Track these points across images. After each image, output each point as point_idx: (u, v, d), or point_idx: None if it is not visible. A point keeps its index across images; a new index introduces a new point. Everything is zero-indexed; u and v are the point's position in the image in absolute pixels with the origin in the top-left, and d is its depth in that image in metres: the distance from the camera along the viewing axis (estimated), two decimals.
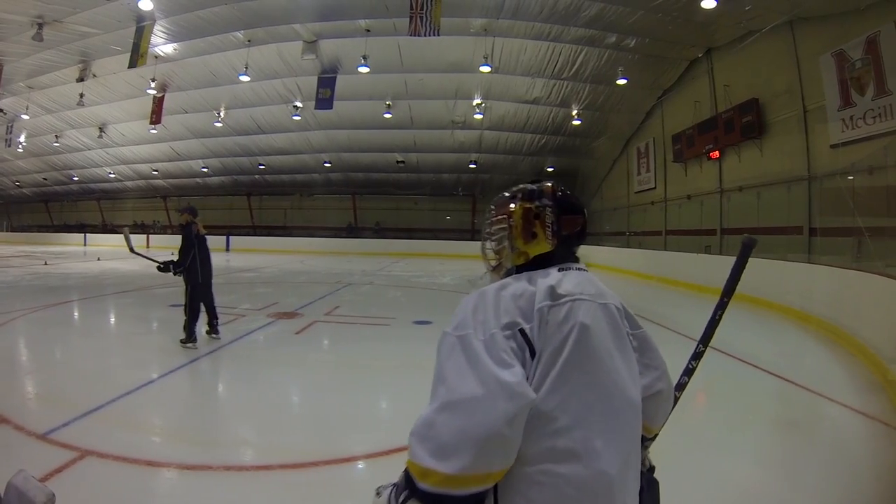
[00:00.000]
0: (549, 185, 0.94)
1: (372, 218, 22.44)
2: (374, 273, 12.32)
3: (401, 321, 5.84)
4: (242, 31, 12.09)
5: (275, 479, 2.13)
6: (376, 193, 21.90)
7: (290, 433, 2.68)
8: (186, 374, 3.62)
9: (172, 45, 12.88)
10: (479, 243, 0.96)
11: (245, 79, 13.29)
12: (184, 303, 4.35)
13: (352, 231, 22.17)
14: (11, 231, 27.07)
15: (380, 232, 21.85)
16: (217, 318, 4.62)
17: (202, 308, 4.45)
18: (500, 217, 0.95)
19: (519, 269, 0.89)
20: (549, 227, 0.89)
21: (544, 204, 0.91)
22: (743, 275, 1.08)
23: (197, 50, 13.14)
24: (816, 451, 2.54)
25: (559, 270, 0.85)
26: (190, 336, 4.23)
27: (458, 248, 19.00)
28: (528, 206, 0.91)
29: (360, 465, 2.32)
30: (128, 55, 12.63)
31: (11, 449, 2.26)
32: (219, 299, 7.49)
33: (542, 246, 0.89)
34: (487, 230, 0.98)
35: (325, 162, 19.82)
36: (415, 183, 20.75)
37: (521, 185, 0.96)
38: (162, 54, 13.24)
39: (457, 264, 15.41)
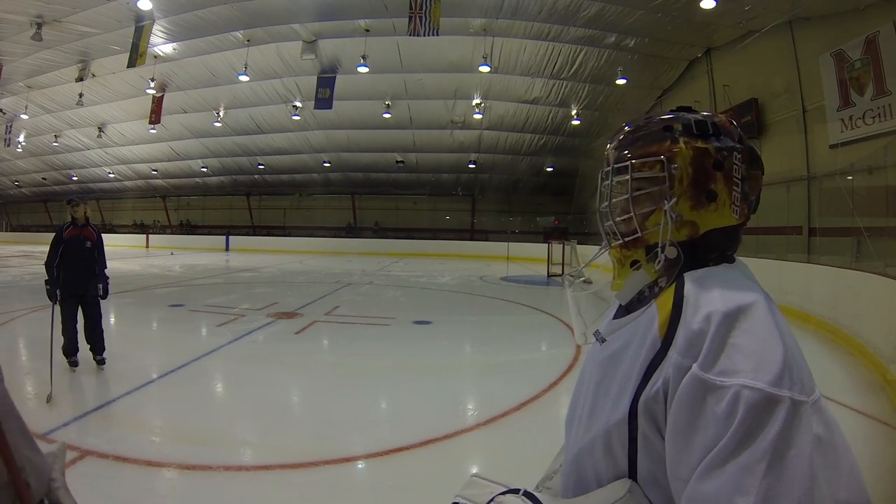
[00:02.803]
0: (724, 118, 0.61)
1: (371, 218, 22.43)
2: (374, 273, 12.30)
3: (400, 321, 5.83)
4: (242, 31, 12.09)
5: (275, 479, 2.13)
6: (375, 193, 21.88)
7: (290, 433, 2.68)
8: (186, 374, 3.61)
9: (172, 44, 12.87)
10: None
11: (244, 78, 13.28)
12: (95, 318, 3.58)
13: (351, 231, 22.15)
14: (10, 231, 27.04)
15: (379, 232, 21.83)
16: None
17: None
18: (645, 160, 0.60)
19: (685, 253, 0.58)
20: (736, 185, 0.58)
21: (729, 147, 0.58)
22: None
23: (196, 50, 13.13)
24: None
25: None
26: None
27: (458, 247, 19.02)
28: (702, 146, 0.58)
29: (359, 465, 2.32)
30: (127, 55, 12.63)
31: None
32: (218, 299, 7.53)
33: (725, 216, 0.58)
34: (614, 181, 0.63)
35: (325, 162, 19.80)
36: (414, 183, 20.71)
37: (678, 113, 0.62)
38: (161, 54, 13.24)
39: (456, 264, 15.41)
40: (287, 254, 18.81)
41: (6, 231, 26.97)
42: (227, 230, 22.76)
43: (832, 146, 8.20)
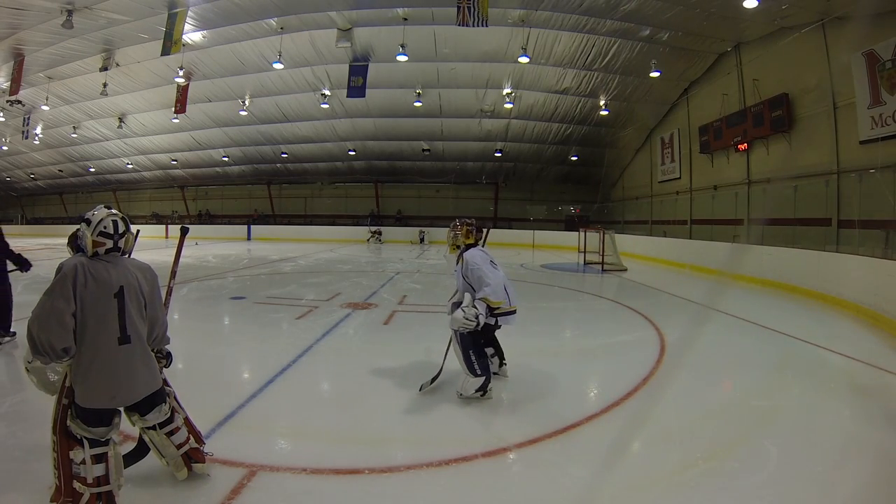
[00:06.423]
0: (470, 220, 3.31)
1: (393, 206, 22.38)
2: (412, 260, 12.41)
3: None
4: (276, 18, 11.94)
5: (431, 477, 2.10)
6: (398, 182, 21.78)
7: (443, 426, 2.62)
8: (299, 371, 3.54)
9: (201, 32, 12.72)
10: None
11: (278, 66, 13.13)
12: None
13: (374, 219, 22.04)
14: (26, 224, 26.71)
15: (402, 220, 21.85)
16: None
17: None
18: (460, 228, 3.24)
19: (468, 246, 3.21)
20: (473, 234, 3.23)
21: (463, 223, 3.27)
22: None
23: (226, 37, 12.99)
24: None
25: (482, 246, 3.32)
26: None
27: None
28: (468, 227, 3.26)
29: (511, 456, 2.28)
30: (154, 43, 12.50)
31: None
32: (276, 290, 7.40)
33: (471, 240, 3.23)
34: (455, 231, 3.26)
35: (350, 150, 19.65)
36: (439, 171, 20.63)
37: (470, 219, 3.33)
38: (190, 42, 13.07)
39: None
40: (311, 242, 18.73)
41: (21, 224, 26.63)
42: (250, 219, 22.67)
43: (862, 142, 8.41)
